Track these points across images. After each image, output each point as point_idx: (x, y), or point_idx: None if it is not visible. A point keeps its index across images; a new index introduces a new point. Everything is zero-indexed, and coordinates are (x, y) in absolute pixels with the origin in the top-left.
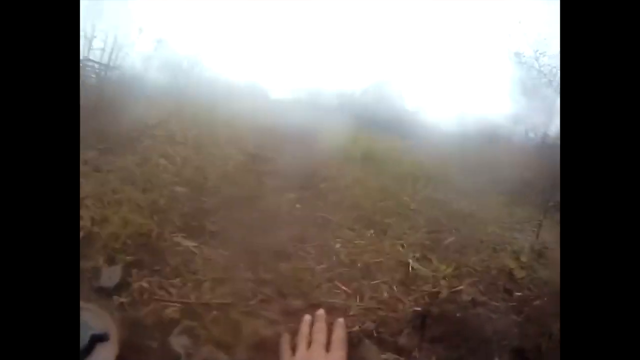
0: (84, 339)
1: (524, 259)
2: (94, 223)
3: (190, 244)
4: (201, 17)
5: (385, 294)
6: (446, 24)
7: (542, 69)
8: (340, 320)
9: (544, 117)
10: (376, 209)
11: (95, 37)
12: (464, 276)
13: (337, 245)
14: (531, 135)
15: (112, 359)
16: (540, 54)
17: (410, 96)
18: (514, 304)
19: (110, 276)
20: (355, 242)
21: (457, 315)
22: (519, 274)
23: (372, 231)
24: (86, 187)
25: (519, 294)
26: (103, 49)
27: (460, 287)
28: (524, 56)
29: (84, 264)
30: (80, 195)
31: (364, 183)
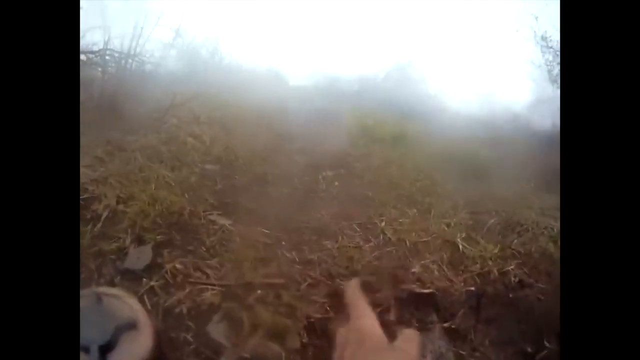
0: (107, 331)
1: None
2: (119, 201)
3: (226, 222)
4: (218, 4)
5: (436, 273)
6: (469, 5)
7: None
8: None
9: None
10: (415, 188)
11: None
12: (508, 257)
13: (382, 224)
14: (556, 121)
15: (145, 352)
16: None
17: (432, 79)
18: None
19: (139, 257)
20: (400, 220)
21: (510, 296)
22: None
23: (415, 210)
24: (110, 165)
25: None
26: (122, 39)
27: (510, 268)
28: (551, 40)
29: (107, 246)
30: (104, 175)
31: (398, 163)
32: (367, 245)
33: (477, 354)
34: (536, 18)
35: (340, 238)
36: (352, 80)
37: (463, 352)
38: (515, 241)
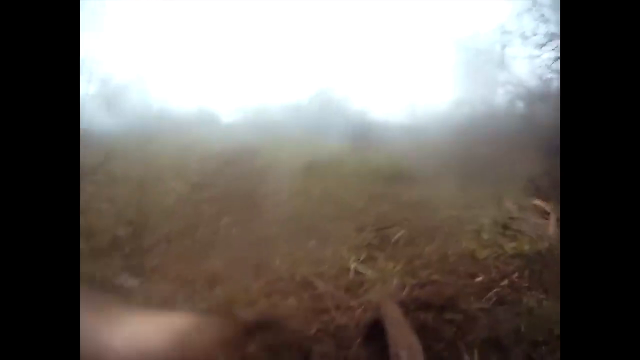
0: None
1: (485, 236)
2: None
3: (133, 282)
4: (142, 45)
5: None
6: (380, 20)
7: (479, 46)
8: None
9: (487, 92)
10: (317, 217)
11: None
12: (417, 269)
13: (276, 262)
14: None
15: None
16: (475, 32)
17: (356, 98)
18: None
19: None
20: (295, 254)
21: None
22: (481, 254)
23: (313, 241)
24: None
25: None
26: None
27: (410, 285)
28: (462, 37)
29: None
30: None
31: (305, 193)
32: (256, 286)
33: None
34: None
35: (230, 283)
36: (277, 109)
37: None
38: (427, 248)
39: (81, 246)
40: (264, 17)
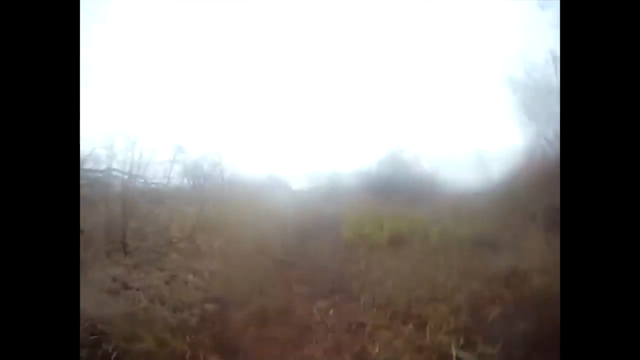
0: None
1: None
2: (126, 341)
3: None
4: (215, 119)
5: None
6: (440, 73)
7: (535, 84)
8: None
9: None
10: (411, 300)
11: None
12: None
13: (376, 350)
14: (547, 148)
15: None
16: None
17: (426, 157)
18: None
19: None
20: (394, 342)
21: None
22: None
23: (410, 326)
24: (115, 306)
25: None
26: (125, 160)
27: None
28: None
29: None
30: (110, 314)
31: (394, 273)
32: None
33: None
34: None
35: None
36: (349, 174)
37: None
38: (523, 326)
39: (169, 320)
40: (324, 85)
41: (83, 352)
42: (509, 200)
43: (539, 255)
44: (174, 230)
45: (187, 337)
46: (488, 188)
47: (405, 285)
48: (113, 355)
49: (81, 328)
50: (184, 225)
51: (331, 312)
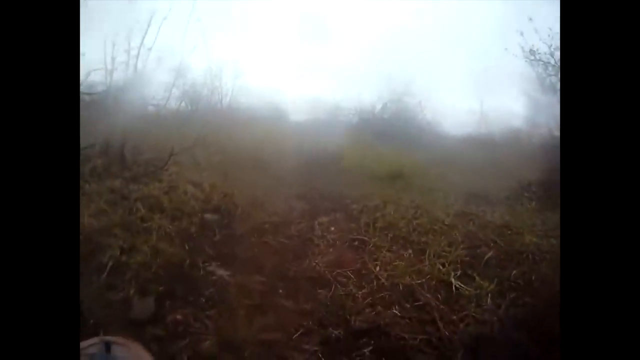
0: None
1: None
2: (122, 252)
3: (224, 272)
4: (218, 43)
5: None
6: (457, 28)
7: (558, 64)
8: None
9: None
10: (411, 227)
11: (116, 69)
12: (506, 291)
13: (377, 269)
14: (555, 133)
15: None
16: (554, 49)
17: (429, 106)
18: None
19: (143, 308)
20: (395, 263)
21: (507, 336)
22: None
23: (410, 251)
24: (113, 216)
25: None
26: (124, 80)
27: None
28: (539, 53)
29: (113, 296)
30: (108, 225)
31: (394, 202)
32: (360, 292)
33: None
34: (521, 33)
35: (333, 287)
36: (350, 112)
37: None
38: (515, 272)
39: (168, 228)
40: (338, 19)
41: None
42: (507, 163)
43: (530, 220)
44: (173, 145)
45: (186, 245)
46: (488, 147)
47: (405, 213)
48: (108, 266)
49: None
50: (183, 141)
51: (332, 228)
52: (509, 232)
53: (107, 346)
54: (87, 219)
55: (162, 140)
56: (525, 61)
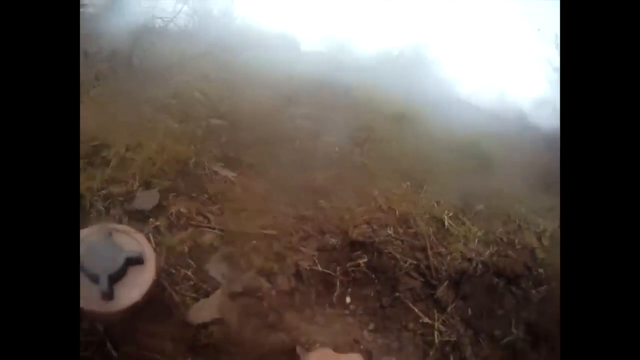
0: (117, 262)
1: (545, 242)
2: (128, 149)
3: (229, 173)
4: None
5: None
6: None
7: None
8: None
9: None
10: (411, 164)
11: None
12: (491, 243)
13: (375, 192)
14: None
15: (148, 283)
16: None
17: (446, 64)
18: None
19: (147, 199)
20: (393, 191)
21: (488, 280)
22: (540, 254)
23: (408, 183)
24: (120, 117)
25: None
26: None
27: (490, 252)
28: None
29: (116, 189)
30: (113, 124)
31: (398, 139)
32: (359, 209)
33: (447, 326)
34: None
35: (333, 199)
36: (365, 51)
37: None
38: (500, 229)
39: (174, 127)
40: None
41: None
42: (516, 132)
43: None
44: (180, 55)
45: (192, 146)
46: (500, 116)
47: (407, 150)
48: (111, 163)
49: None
50: (191, 52)
51: (336, 149)
52: (501, 197)
53: (109, 233)
54: (92, 120)
55: (170, 50)
56: (555, 49)
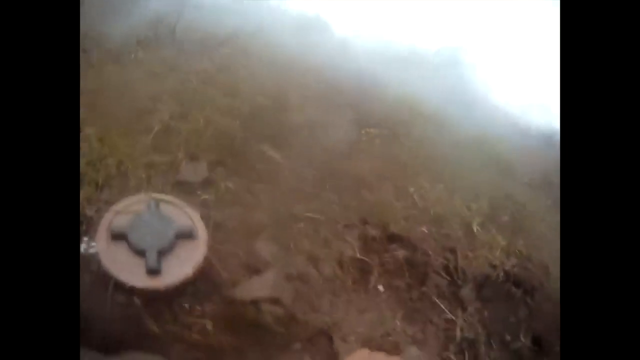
0: (166, 237)
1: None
2: (172, 118)
3: (275, 154)
4: None
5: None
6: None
7: None
8: None
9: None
10: (444, 166)
11: None
12: (511, 255)
13: (411, 189)
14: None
15: (198, 262)
16: None
17: (481, 68)
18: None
19: (195, 171)
20: (428, 190)
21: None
22: (555, 272)
23: (442, 186)
24: (164, 84)
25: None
26: None
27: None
28: None
29: (160, 158)
30: (157, 92)
31: (435, 138)
32: (398, 204)
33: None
34: None
35: (375, 190)
36: (402, 46)
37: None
38: (521, 242)
39: (221, 102)
40: None
41: None
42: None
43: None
44: (226, 30)
45: (238, 121)
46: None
47: (441, 152)
48: (155, 129)
49: None
50: (235, 29)
51: (377, 141)
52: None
53: (156, 203)
54: (136, 84)
55: (215, 22)
56: None
